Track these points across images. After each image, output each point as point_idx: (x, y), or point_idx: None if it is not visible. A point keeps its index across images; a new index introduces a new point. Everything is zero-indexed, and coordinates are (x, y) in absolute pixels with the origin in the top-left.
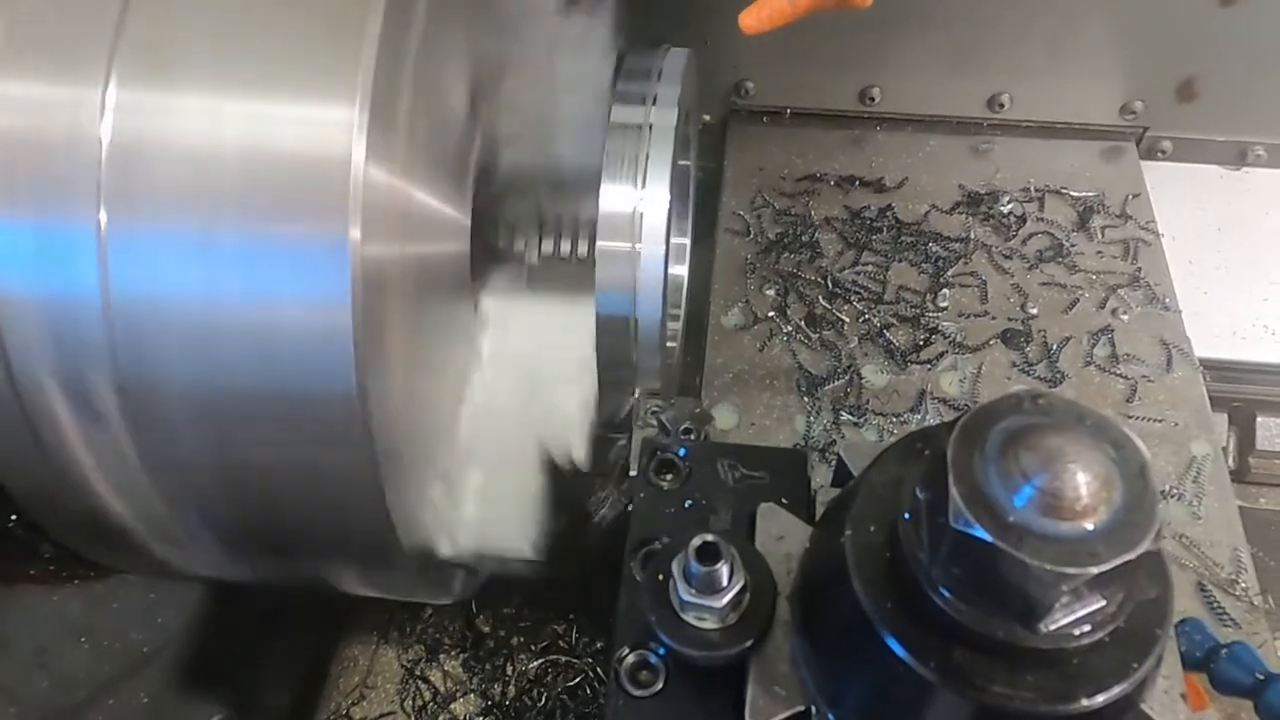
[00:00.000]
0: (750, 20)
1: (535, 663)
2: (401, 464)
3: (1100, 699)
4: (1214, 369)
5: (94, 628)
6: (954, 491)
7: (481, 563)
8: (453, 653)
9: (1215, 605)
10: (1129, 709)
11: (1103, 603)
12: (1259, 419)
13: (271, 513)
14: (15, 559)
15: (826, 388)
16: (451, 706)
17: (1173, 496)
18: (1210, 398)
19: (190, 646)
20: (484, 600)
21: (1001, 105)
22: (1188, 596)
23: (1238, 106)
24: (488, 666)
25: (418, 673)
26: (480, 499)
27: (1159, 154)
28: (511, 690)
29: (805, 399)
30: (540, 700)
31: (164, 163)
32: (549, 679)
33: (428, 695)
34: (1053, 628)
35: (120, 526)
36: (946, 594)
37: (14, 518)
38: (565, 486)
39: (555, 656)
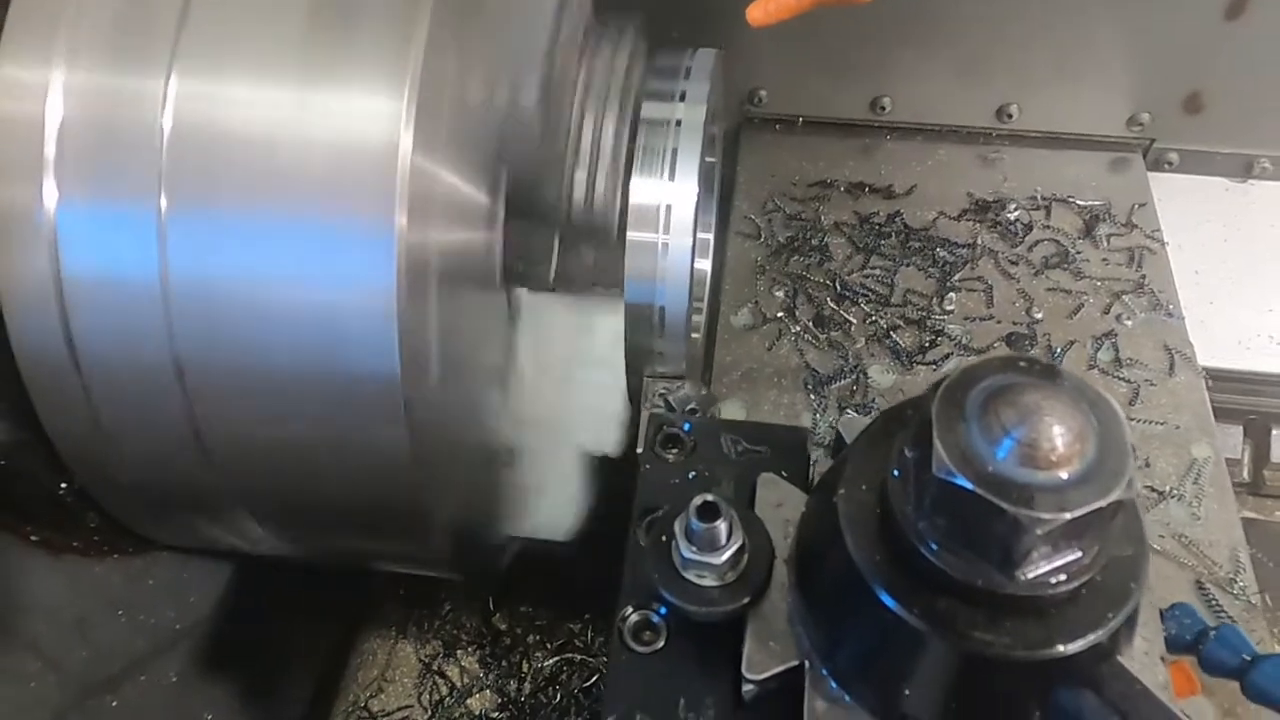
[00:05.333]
0: (757, 13)
1: (551, 661)
2: (439, 443)
3: (1075, 646)
4: (1219, 379)
5: (131, 602)
6: (937, 443)
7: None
8: (470, 649)
9: (1214, 603)
10: (1104, 659)
11: (1078, 554)
12: (1274, 432)
13: (315, 487)
14: (63, 529)
15: (833, 386)
16: (468, 702)
17: (1173, 497)
18: (1225, 410)
19: (217, 628)
20: (501, 598)
21: (1010, 116)
22: (1187, 595)
23: (1244, 119)
24: (504, 663)
25: (435, 668)
26: (522, 485)
27: (1166, 165)
28: (527, 687)
29: (812, 397)
30: (555, 698)
31: (220, 151)
32: (564, 677)
33: (445, 690)
34: (1031, 576)
35: (169, 498)
36: (932, 545)
37: (64, 485)
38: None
39: (571, 655)
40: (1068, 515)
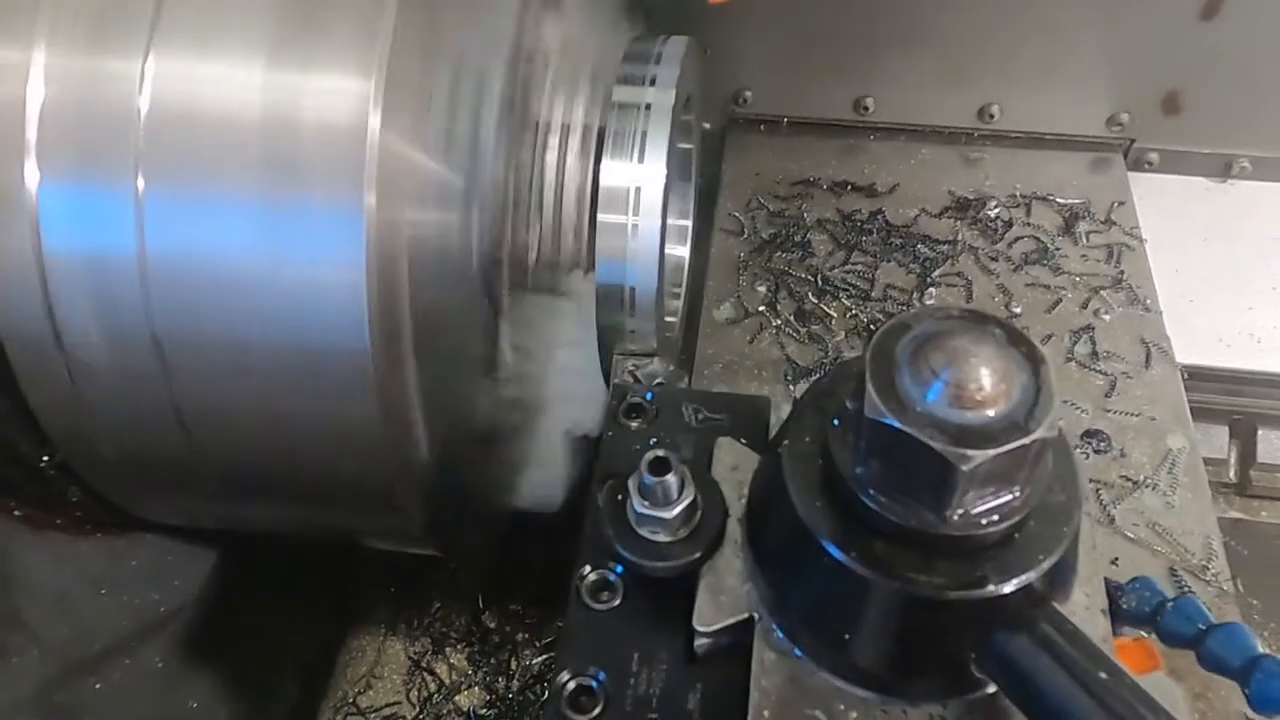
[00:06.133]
0: None
1: (539, 659)
2: (413, 418)
3: (1007, 587)
4: (1200, 377)
5: (114, 581)
6: (869, 387)
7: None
8: (459, 646)
9: (1186, 589)
10: (1038, 602)
11: (1008, 496)
12: (1260, 432)
13: (291, 460)
14: (45, 505)
15: (813, 379)
16: (456, 699)
17: (1148, 486)
18: (1210, 410)
19: (204, 616)
20: (490, 596)
21: (992, 116)
22: (1159, 581)
23: (1222, 119)
24: (493, 661)
25: (424, 665)
26: (503, 459)
27: (1146, 165)
28: (515, 685)
29: (791, 388)
30: (543, 696)
31: (197, 131)
32: (552, 675)
33: (433, 687)
34: (960, 516)
35: (150, 471)
36: (869, 490)
37: (45, 459)
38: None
39: None
40: (993, 452)
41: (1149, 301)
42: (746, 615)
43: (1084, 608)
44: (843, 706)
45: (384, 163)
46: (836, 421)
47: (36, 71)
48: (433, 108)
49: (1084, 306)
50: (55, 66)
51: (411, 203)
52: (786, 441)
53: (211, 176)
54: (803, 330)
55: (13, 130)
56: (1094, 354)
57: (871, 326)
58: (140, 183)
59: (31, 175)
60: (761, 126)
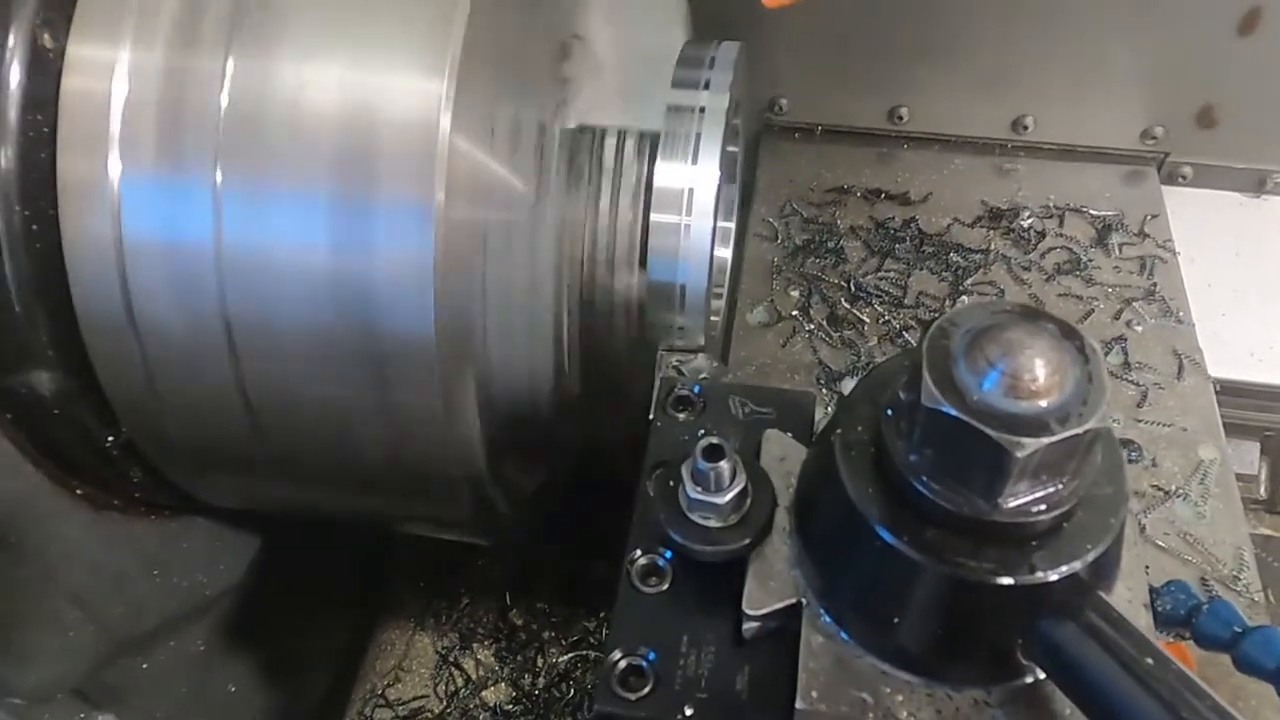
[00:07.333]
0: None
1: (565, 657)
2: (473, 412)
3: (1055, 575)
4: (1231, 391)
5: (166, 563)
6: (926, 375)
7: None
8: (486, 642)
9: (1216, 599)
10: (1084, 591)
11: (1058, 485)
12: None
13: (350, 449)
14: (106, 485)
15: (845, 383)
16: (483, 694)
17: (1179, 496)
18: (1241, 426)
19: (244, 601)
20: (518, 594)
21: (1025, 127)
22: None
23: (1257, 134)
24: (519, 658)
25: (452, 659)
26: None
27: (1179, 179)
28: (541, 682)
29: (824, 391)
30: (569, 693)
31: (273, 128)
32: (578, 673)
33: (460, 682)
34: (1013, 504)
35: (214, 452)
36: (921, 477)
37: (111, 438)
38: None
39: (585, 652)
40: (1046, 441)
41: (1181, 314)
42: (794, 600)
43: (1126, 601)
44: (888, 689)
45: (454, 162)
46: (890, 411)
47: (121, 68)
48: (500, 111)
49: (1116, 317)
50: (139, 64)
51: (478, 201)
52: (839, 430)
53: (287, 172)
54: (835, 335)
55: (98, 123)
56: (1126, 364)
57: (904, 333)
58: (219, 176)
59: (114, 166)
60: (796, 134)
